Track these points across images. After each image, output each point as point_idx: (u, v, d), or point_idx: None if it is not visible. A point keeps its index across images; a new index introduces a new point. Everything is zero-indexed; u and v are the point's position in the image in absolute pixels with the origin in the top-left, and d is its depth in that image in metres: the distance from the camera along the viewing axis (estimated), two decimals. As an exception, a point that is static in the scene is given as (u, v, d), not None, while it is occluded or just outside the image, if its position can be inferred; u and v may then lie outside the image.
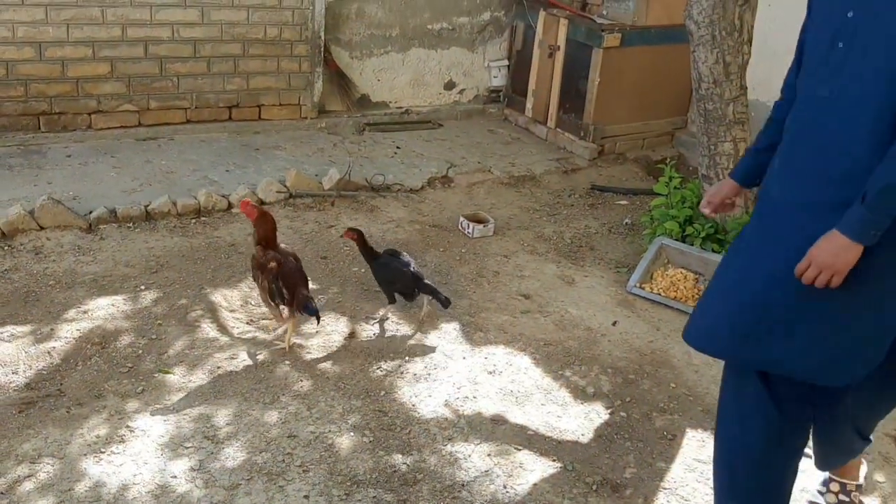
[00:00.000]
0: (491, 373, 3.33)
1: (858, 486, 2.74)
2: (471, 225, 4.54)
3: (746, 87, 4.09)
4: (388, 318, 3.64)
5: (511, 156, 5.76)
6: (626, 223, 4.86)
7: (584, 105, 5.81)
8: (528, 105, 6.28)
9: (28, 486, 2.52)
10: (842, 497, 2.72)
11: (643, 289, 4.06)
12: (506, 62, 6.53)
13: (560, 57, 5.88)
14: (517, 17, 6.37)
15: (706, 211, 2.59)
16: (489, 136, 6.16)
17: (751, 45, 4.06)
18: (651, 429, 3.09)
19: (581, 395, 3.25)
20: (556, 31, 5.90)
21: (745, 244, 2.30)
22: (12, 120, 4.90)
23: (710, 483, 2.54)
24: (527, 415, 3.09)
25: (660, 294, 4.02)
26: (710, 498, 2.57)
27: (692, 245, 4.19)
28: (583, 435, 3.02)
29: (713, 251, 4.12)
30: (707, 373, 3.46)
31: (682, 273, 4.12)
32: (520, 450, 2.90)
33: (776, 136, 2.30)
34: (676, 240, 4.22)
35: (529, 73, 6.18)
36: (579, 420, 3.09)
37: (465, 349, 3.48)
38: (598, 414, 3.15)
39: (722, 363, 2.40)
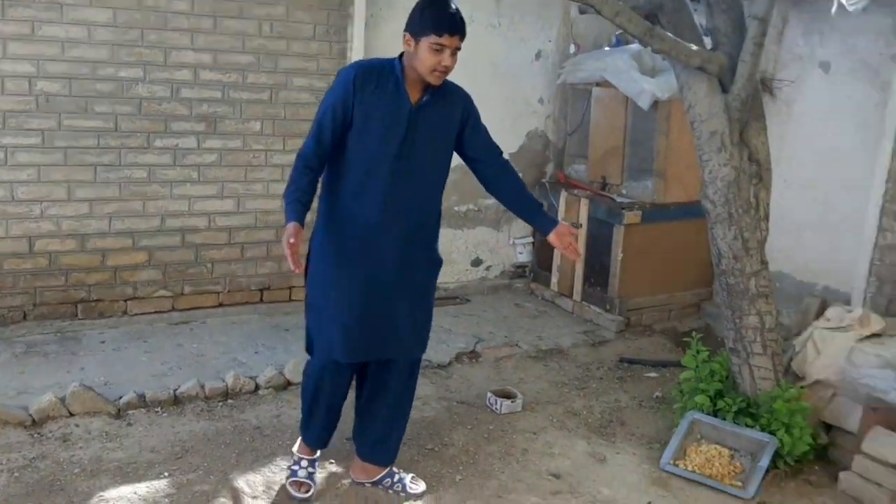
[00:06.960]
0: (520, 561, 3.20)
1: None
2: (498, 401, 4.49)
3: (767, 262, 4.09)
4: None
5: (538, 329, 5.79)
6: (657, 396, 4.78)
7: (609, 279, 5.89)
8: (554, 279, 6.38)
9: None
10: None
11: (677, 466, 3.93)
12: (530, 239, 6.71)
13: (583, 234, 6.03)
14: (540, 196, 6.57)
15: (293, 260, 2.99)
16: (516, 309, 6.22)
17: (768, 221, 4.07)
18: None
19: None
20: (578, 209, 6.09)
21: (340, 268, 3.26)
22: (51, 308, 5.07)
23: None
24: None
25: (695, 471, 3.89)
26: None
27: (724, 419, 4.09)
28: None
29: (746, 426, 4.02)
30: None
31: (716, 449, 4.00)
32: None
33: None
34: (708, 414, 4.13)
35: (554, 249, 6.31)
36: None
37: (493, 535, 3.36)
38: None
39: None
